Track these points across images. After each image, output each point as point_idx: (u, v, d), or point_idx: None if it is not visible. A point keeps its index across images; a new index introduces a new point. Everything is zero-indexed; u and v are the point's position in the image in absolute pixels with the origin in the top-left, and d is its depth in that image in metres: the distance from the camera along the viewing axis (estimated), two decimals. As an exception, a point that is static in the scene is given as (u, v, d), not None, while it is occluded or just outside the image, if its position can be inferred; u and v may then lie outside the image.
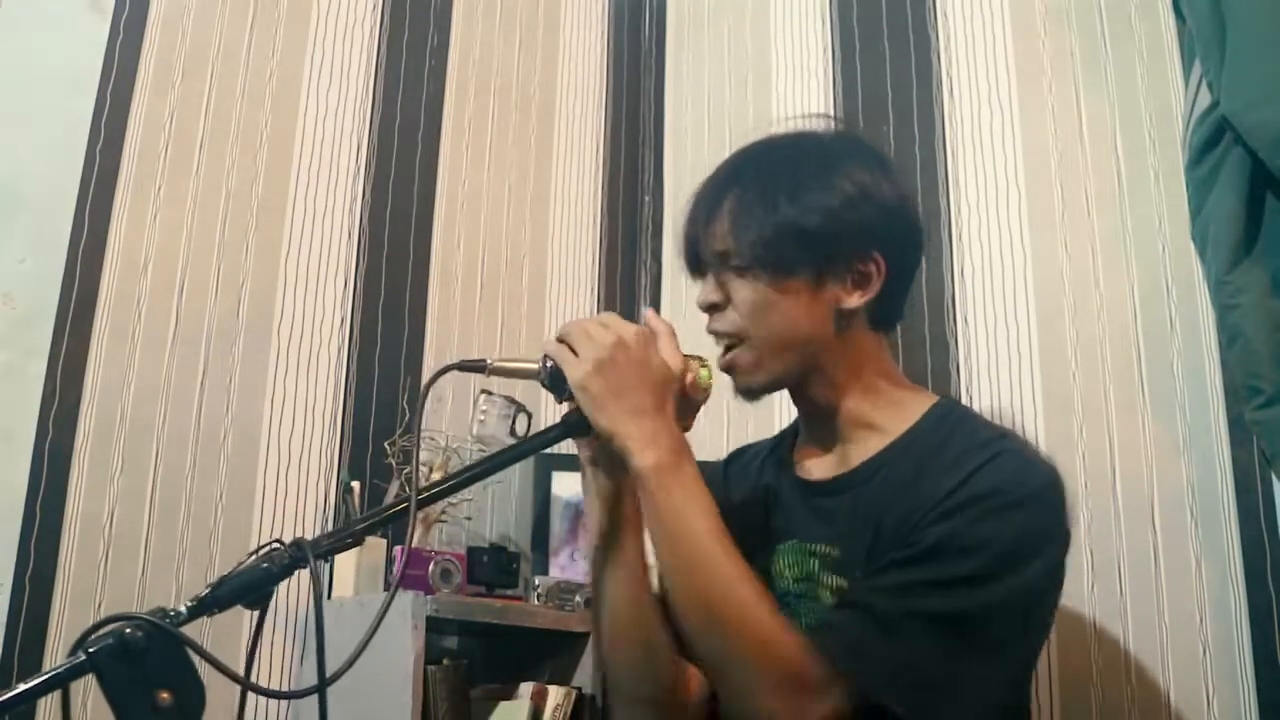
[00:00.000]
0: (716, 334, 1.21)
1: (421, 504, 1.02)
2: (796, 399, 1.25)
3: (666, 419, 1.10)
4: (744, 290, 1.17)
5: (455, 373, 1.12)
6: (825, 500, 1.19)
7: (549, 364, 1.11)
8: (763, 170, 1.20)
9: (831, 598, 1.13)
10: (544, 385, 1.13)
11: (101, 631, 0.74)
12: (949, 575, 1.04)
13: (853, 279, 1.17)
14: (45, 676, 0.74)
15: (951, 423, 1.18)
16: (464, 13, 2.61)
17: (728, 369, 1.20)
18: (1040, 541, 1.09)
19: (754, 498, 1.28)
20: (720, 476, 1.35)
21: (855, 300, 1.17)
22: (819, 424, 1.24)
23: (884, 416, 1.19)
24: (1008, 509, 1.06)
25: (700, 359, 1.18)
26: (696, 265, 1.23)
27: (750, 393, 1.21)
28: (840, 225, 1.14)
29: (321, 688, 0.80)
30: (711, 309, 1.20)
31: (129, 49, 2.10)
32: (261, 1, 2.29)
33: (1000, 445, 1.11)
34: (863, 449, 1.19)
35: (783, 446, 1.31)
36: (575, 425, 1.12)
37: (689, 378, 1.15)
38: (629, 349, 1.09)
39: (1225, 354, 1.65)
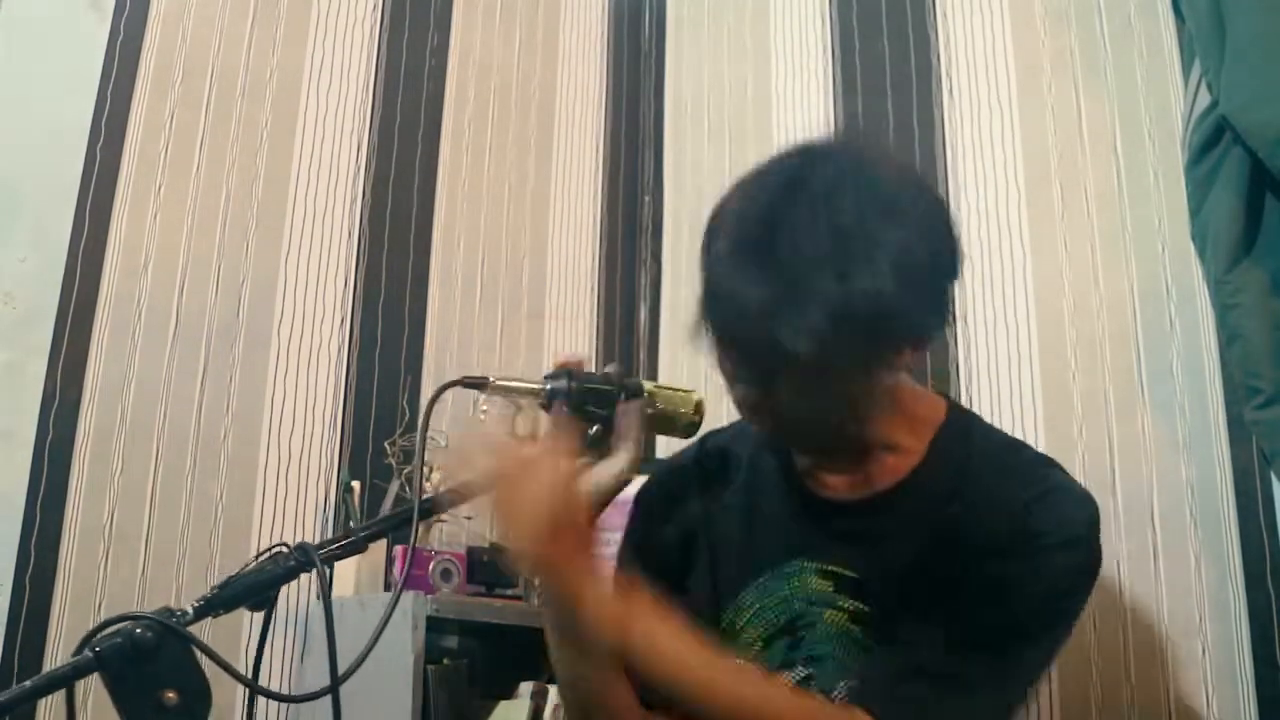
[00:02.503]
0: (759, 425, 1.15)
1: (424, 513, 1.02)
2: None
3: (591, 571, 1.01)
4: (791, 387, 1.04)
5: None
6: (850, 522, 1.13)
7: (549, 386, 1.10)
8: (805, 260, 0.96)
9: (845, 619, 1.10)
10: (543, 408, 1.12)
11: (108, 631, 0.75)
12: (1010, 622, 1.04)
13: (901, 355, 1.06)
14: (51, 674, 0.74)
15: (976, 441, 1.14)
16: (464, 13, 2.61)
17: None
18: (1085, 580, 1.09)
19: (750, 503, 1.20)
20: (694, 483, 1.25)
21: (901, 365, 1.08)
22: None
23: (902, 434, 1.13)
24: (1063, 549, 1.05)
25: (688, 391, 1.14)
26: (747, 363, 1.07)
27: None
28: (892, 325, 1.00)
29: (335, 688, 0.80)
30: (756, 410, 1.10)
31: (129, 48, 2.10)
32: (261, 1, 2.29)
33: (1049, 479, 1.09)
34: (886, 469, 1.13)
35: (782, 454, 1.21)
36: None
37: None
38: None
39: (1225, 354, 1.65)
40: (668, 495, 1.25)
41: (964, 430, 1.15)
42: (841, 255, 0.95)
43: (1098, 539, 1.08)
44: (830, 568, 1.12)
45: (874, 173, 1.03)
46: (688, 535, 1.22)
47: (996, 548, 1.05)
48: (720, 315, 1.02)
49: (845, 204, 0.97)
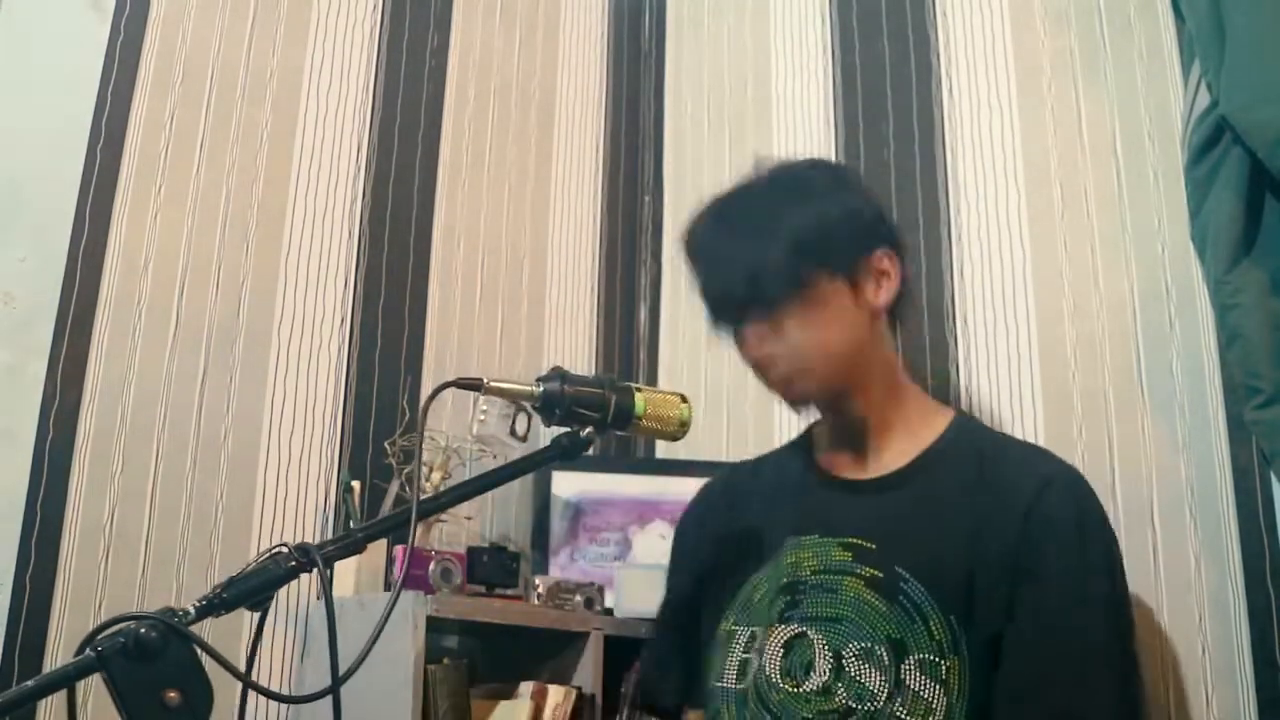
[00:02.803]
0: (774, 378, 1.29)
1: (422, 514, 1.04)
2: (828, 410, 1.34)
3: None
4: (791, 323, 1.24)
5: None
6: (864, 499, 1.28)
7: (542, 388, 1.12)
8: (761, 211, 1.27)
9: (862, 585, 1.21)
10: (535, 409, 1.14)
11: (110, 631, 0.75)
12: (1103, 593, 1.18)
13: (875, 277, 1.29)
14: (53, 674, 0.74)
15: (982, 435, 1.31)
16: (464, 13, 2.61)
17: (780, 386, 1.29)
18: (1109, 542, 1.25)
19: (773, 496, 1.37)
20: (722, 498, 1.44)
21: (884, 297, 1.28)
22: (850, 430, 1.33)
23: (911, 423, 1.30)
24: (1081, 528, 1.21)
25: (680, 396, 1.19)
26: (732, 319, 1.29)
27: (802, 403, 1.32)
28: (851, 229, 1.27)
29: (335, 688, 0.80)
30: (767, 359, 1.28)
31: (129, 49, 2.10)
32: (262, 1, 2.29)
33: (1043, 465, 1.26)
34: (896, 453, 1.29)
35: (800, 451, 1.39)
36: (567, 450, 1.14)
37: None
38: None
39: (1225, 354, 1.65)
40: (702, 511, 1.46)
41: (969, 426, 1.33)
42: (787, 217, 1.25)
43: (1101, 509, 1.24)
44: (850, 540, 1.24)
45: (796, 172, 1.36)
46: (716, 538, 1.39)
47: (1012, 538, 1.18)
48: (706, 283, 1.29)
49: (776, 187, 1.31)
